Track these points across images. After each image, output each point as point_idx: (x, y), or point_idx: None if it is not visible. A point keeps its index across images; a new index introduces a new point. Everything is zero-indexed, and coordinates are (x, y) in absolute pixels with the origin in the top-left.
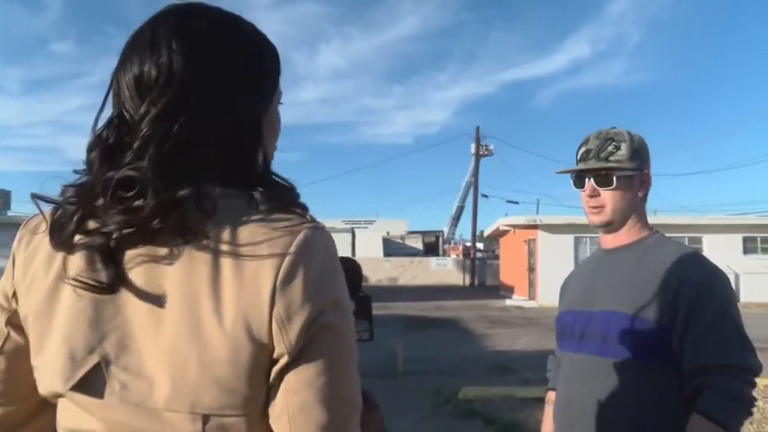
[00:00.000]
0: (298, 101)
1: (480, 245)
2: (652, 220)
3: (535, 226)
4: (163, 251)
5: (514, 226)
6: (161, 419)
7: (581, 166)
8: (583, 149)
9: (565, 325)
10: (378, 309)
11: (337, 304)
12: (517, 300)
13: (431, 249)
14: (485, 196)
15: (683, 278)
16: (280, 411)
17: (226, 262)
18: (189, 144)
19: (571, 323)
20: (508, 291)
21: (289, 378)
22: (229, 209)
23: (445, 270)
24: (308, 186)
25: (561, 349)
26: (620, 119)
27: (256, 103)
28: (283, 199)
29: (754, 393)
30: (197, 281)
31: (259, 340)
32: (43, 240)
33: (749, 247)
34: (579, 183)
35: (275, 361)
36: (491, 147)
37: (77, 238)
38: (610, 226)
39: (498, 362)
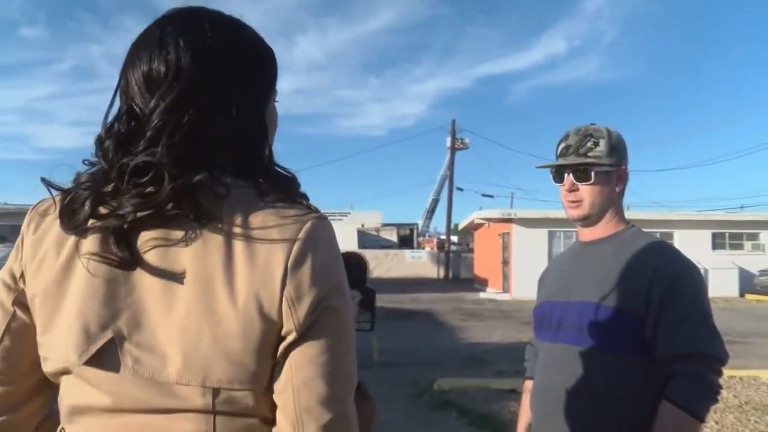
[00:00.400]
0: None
1: (454, 238)
2: (625, 215)
3: (509, 220)
4: (177, 234)
5: (489, 220)
6: (172, 392)
7: (560, 161)
8: (562, 145)
9: (542, 315)
10: None
11: (340, 289)
12: (491, 293)
13: (406, 241)
14: (460, 189)
15: (656, 270)
16: (284, 385)
17: (239, 246)
18: (199, 135)
19: (548, 314)
20: (482, 284)
21: (295, 354)
22: (240, 197)
23: (420, 262)
24: None
25: (538, 338)
26: (595, 115)
27: (258, 99)
28: (288, 190)
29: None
30: (211, 262)
31: (270, 318)
32: (53, 223)
33: (717, 242)
34: (558, 178)
35: (282, 338)
36: (467, 140)
37: (91, 222)
38: (587, 220)
39: (473, 354)
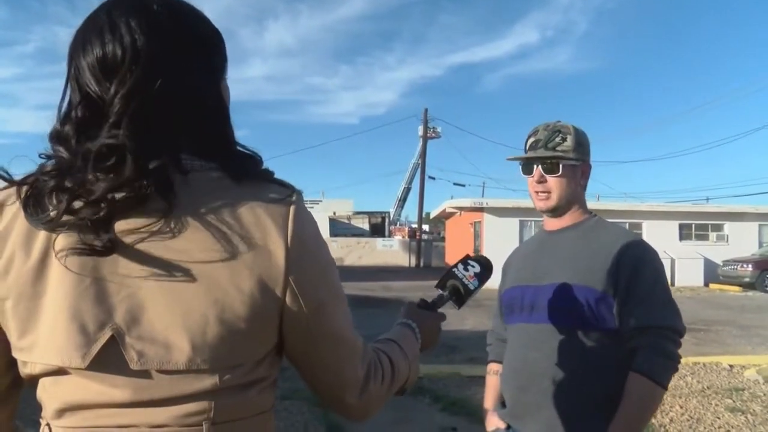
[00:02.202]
0: (245, 78)
1: (426, 227)
2: (595, 205)
3: (481, 209)
4: (161, 221)
5: (461, 209)
6: (182, 379)
7: (531, 154)
8: (532, 139)
9: (513, 299)
10: None
11: (329, 263)
12: None
13: (377, 230)
14: (432, 178)
15: (622, 254)
16: (301, 351)
17: (231, 229)
18: (162, 117)
19: (519, 297)
20: None
21: (305, 326)
22: (215, 179)
23: (391, 251)
24: None
25: (508, 322)
26: (565, 106)
27: (214, 78)
28: (256, 169)
29: (682, 368)
30: (205, 249)
31: (275, 297)
32: (16, 218)
33: (684, 233)
34: (527, 170)
35: (290, 316)
36: (438, 129)
37: (65, 217)
38: (555, 212)
39: (445, 341)
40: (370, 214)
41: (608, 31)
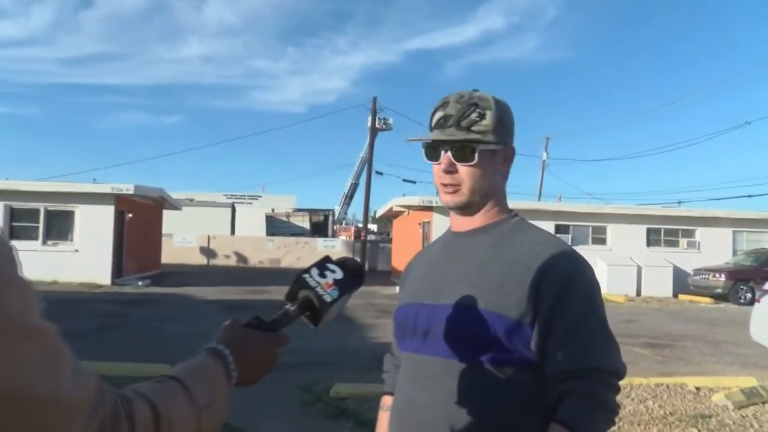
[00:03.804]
0: (179, 57)
1: (374, 227)
2: (556, 206)
3: (430, 208)
4: None
5: (409, 207)
6: None
7: (438, 134)
8: (440, 114)
9: (405, 319)
10: (254, 294)
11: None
12: None
13: (319, 229)
14: (379, 173)
15: (546, 269)
16: None
17: None
18: None
19: (412, 318)
20: (399, 277)
21: None
22: None
23: (334, 252)
24: (187, 153)
25: (401, 348)
26: (532, 98)
27: None
28: None
29: (642, 390)
30: None
31: None
32: None
33: (652, 239)
34: (433, 155)
35: None
36: (390, 121)
37: None
38: (468, 209)
39: (381, 355)
40: (311, 211)
41: (579, 19)
